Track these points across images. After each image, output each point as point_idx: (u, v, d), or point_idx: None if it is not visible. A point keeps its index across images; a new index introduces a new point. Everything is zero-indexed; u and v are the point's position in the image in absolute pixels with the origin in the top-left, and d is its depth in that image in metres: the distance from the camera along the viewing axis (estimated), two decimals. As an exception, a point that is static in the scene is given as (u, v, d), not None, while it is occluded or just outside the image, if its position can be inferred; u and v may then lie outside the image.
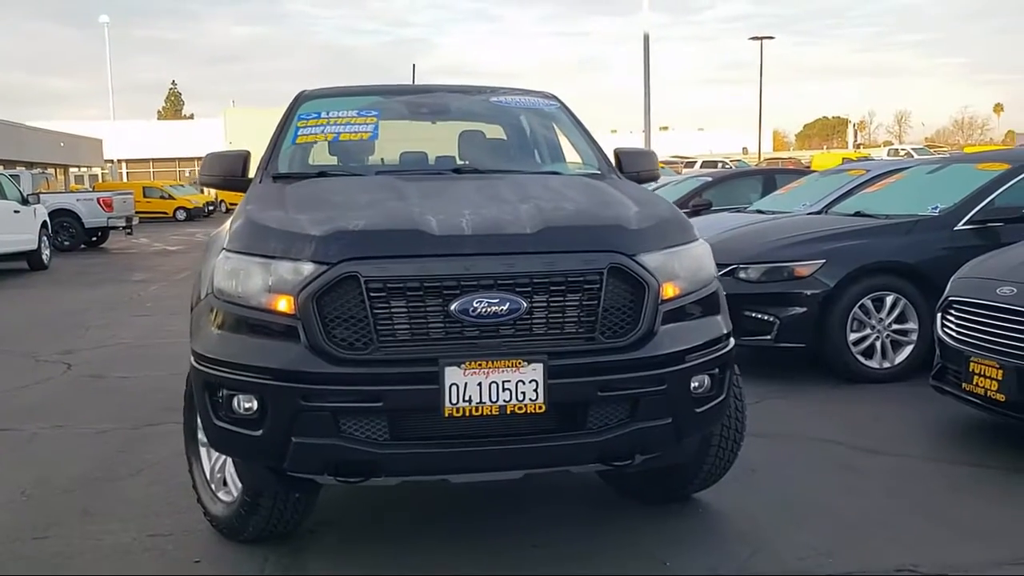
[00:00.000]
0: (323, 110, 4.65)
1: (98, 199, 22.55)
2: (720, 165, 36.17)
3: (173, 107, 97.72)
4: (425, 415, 3.05)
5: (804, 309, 6.23)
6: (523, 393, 2.99)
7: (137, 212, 24.96)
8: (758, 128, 49.67)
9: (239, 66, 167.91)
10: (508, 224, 3.22)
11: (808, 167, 28.10)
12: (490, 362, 2.98)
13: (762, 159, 48.65)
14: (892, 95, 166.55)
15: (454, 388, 2.96)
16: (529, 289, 3.06)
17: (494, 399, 2.98)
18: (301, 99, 4.78)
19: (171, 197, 38.32)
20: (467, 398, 2.97)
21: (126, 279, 15.26)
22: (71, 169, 45.96)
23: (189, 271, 16.22)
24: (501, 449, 3.08)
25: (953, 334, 4.79)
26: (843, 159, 32.67)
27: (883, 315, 6.27)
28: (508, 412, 2.99)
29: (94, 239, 22.98)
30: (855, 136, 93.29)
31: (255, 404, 3.10)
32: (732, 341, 3.48)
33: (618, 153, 4.65)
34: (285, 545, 3.65)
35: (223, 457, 3.73)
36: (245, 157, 4.41)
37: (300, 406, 3.00)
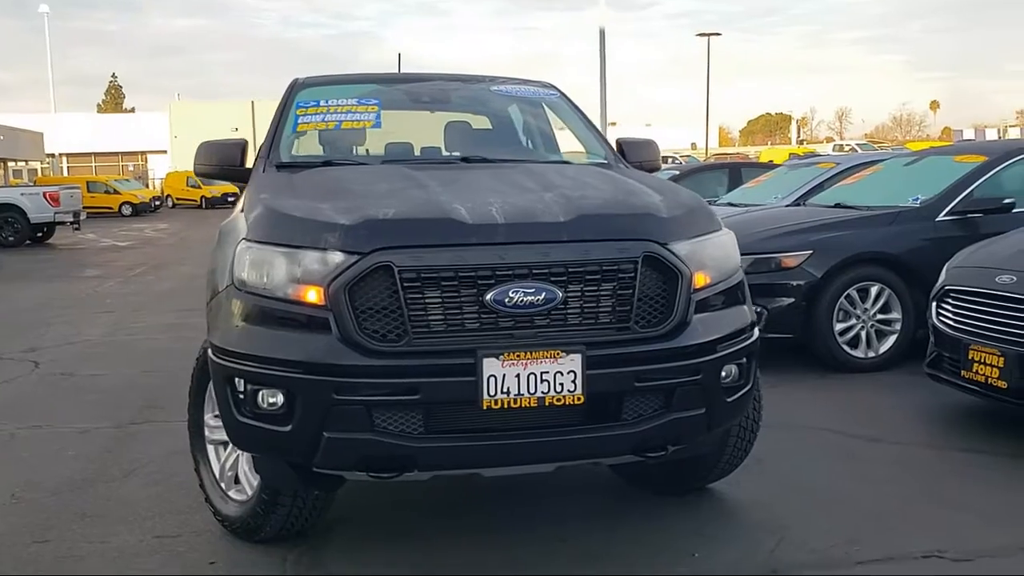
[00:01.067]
0: (321, 98, 4.54)
1: (44, 193, 21.91)
2: (670, 160, 36.46)
3: (114, 100, 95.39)
4: (458, 407, 2.98)
5: (792, 300, 6.28)
6: (561, 384, 2.94)
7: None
8: (706, 124, 50.16)
9: (181, 59, 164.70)
10: (540, 212, 3.15)
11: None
12: (528, 353, 2.92)
13: (709, 155, 49.13)
14: (833, 92, 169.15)
15: (492, 380, 2.89)
16: (564, 278, 3.01)
17: (532, 391, 2.92)
18: (297, 87, 4.66)
19: (116, 192, 37.42)
20: (505, 390, 2.91)
21: (79, 275, 14.85)
22: (9, 163, 44.60)
23: (145, 266, 15.89)
24: (538, 441, 3.02)
25: (950, 322, 4.85)
26: (790, 155, 33.19)
27: (868, 305, 6.34)
28: (547, 404, 2.93)
29: (39, 235, 22.35)
30: (798, 132, 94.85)
31: (283, 399, 2.99)
32: (757, 331, 3.47)
33: (621, 143, 4.62)
34: (301, 544, 3.55)
35: (235, 455, 3.62)
36: (243, 146, 4.28)
37: (333, 400, 2.90)
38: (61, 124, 57.35)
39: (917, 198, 6.71)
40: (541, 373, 2.92)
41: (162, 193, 43.61)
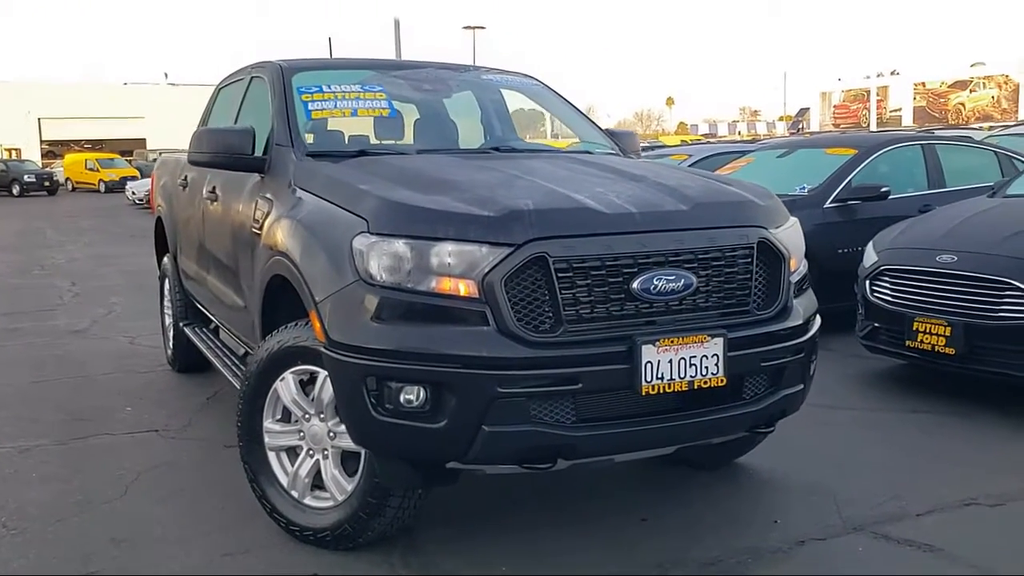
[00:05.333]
0: (322, 83, 4.34)
1: None
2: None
3: None
4: (610, 395, 3.02)
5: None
6: (706, 368, 3.06)
7: None
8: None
9: None
10: (662, 202, 3.24)
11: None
12: (680, 338, 3.01)
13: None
14: (580, 87, 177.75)
15: (649, 366, 2.96)
16: (695, 265, 3.12)
17: (682, 375, 3.02)
18: (288, 71, 4.40)
19: None
20: (660, 375, 2.98)
21: None
22: None
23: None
24: (684, 424, 3.12)
25: (889, 298, 5.41)
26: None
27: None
28: (695, 387, 3.04)
29: None
30: (551, 126, 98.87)
31: (433, 394, 2.90)
32: None
33: (607, 133, 4.77)
34: (397, 547, 3.42)
35: (312, 459, 3.43)
36: (253, 134, 4.02)
37: (496, 393, 2.85)
38: None
39: (804, 187, 7.35)
40: (690, 357, 3.03)
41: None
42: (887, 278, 5.45)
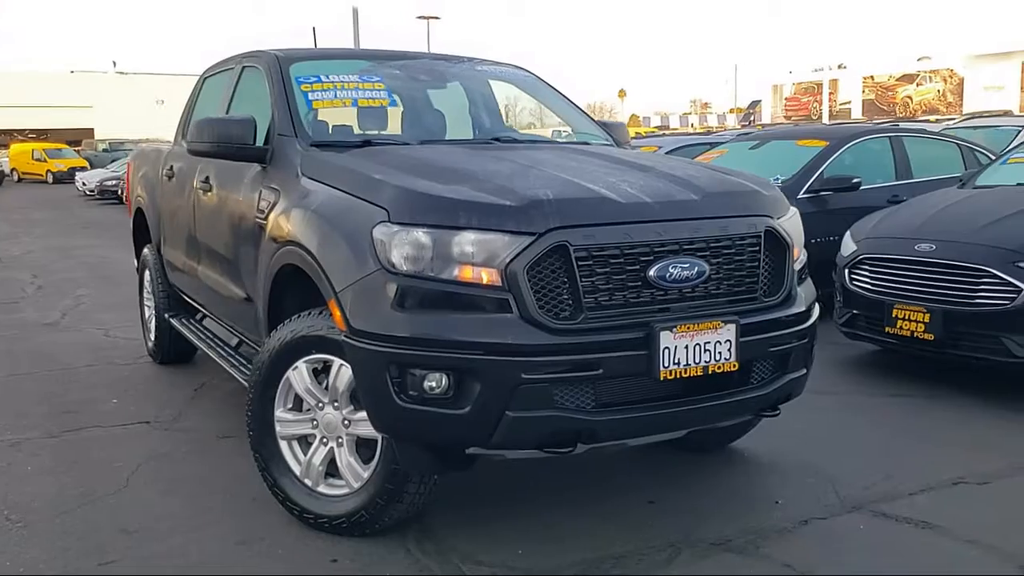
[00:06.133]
0: (319, 73, 4.36)
1: None
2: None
3: None
4: (629, 380, 3.09)
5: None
6: (720, 353, 3.14)
7: None
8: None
9: None
10: (674, 192, 3.32)
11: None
12: (696, 325, 3.09)
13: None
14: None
15: (666, 352, 3.04)
16: (707, 253, 3.21)
17: (697, 360, 3.10)
18: (285, 61, 4.40)
19: None
20: (676, 361, 3.06)
21: None
22: None
23: None
24: (698, 408, 3.20)
25: (869, 286, 5.57)
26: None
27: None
28: (709, 372, 3.13)
29: None
30: (505, 118, 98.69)
31: (457, 381, 2.95)
32: None
33: (601, 125, 4.84)
34: (410, 532, 3.46)
35: (326, 447, 3.45)
36: (255, 123, 4.01)
37: (520, 379, 2.91)
38: None
39: (777, 178, 7.49)
40: (704, 343, 3.11)
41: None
42: (867, 266, 5.61)
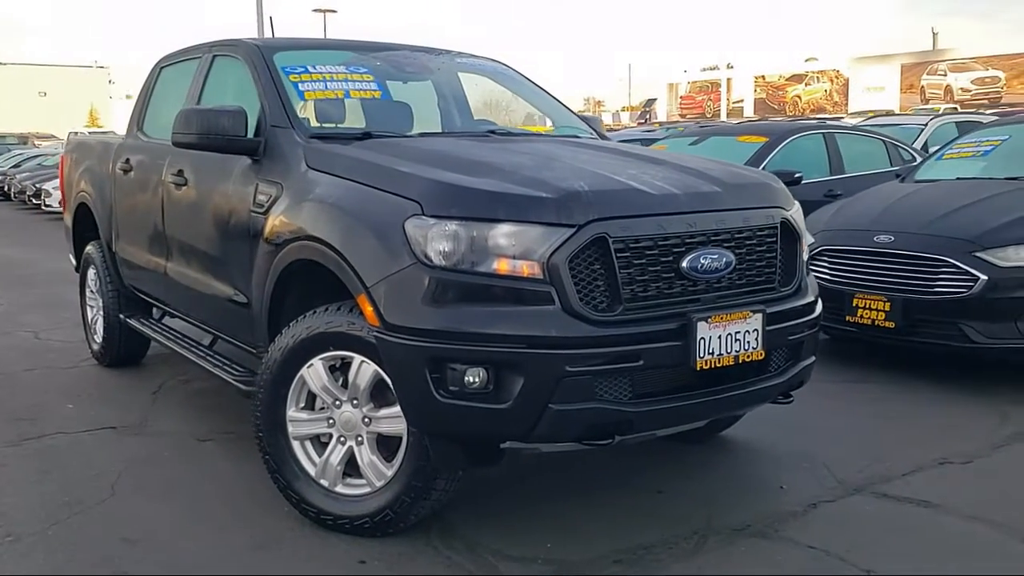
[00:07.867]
0: (306, 63, 4.25)
1: None
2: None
3: None
4: (665, 370, 3.12)
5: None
6: (748, 343, 3.20)
7: None
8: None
9: None
10: (697, 184, 3.36)
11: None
12: (728, 315, 3.14)
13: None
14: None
15: (702, 342, 3.08)
16: (732, 244, 3.26)
17: (729, 350, 3.15)
18: (267, 50, 4.26)
19: None
20: (711, 351, 3.11)
21: None
22: None
23: None
24: (729, 396, 3.25)
25: (828, 276, 5.75)
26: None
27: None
28: (740, 361, 3.18)
29: None
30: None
31: (496, 375, 2.92)
32: None
33: (582, 119, 4.87)
34: (433, 529, 3.41)
35: (344, 446, 3.37)
36: (245, 115, 3.87)
37: (564, 372, 2.90)
38: None
39: (722, 173, 7.67)
40: (735, 333, 3.16)
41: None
42: (826, 258, 5.79)
